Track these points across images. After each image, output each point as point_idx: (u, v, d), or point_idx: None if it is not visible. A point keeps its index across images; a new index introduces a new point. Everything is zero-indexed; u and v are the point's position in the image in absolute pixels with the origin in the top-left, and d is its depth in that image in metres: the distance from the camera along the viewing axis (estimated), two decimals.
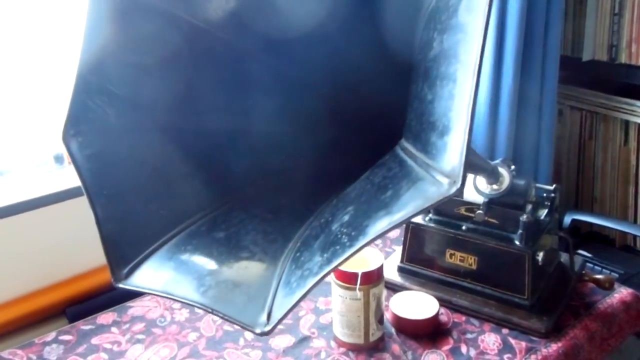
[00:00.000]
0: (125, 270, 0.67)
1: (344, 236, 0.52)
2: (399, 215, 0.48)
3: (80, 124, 0.68)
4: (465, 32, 0.46)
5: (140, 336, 1.03)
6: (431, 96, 0.50)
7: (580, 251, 1.59)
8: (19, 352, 1.00)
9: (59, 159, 1.28)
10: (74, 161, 0.68)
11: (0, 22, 1.13)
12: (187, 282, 0.64)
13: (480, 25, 0.44)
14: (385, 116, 0.74)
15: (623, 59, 1.67)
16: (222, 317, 0.59)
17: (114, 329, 1.05)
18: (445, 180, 0.46)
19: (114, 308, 1.10)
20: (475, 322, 1.04)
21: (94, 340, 1.02)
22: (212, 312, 0.59)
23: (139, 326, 1.05)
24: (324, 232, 0.57)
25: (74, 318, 1.13)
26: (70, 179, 1.19)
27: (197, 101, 0.77)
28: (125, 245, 0.68)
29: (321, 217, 0.64)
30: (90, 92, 0.68)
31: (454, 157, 0.46)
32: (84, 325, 1.06)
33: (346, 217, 0.55)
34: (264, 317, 0.56)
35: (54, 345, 1.01)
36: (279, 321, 0.55)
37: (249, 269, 0.63)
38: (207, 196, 0.74)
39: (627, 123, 1.72)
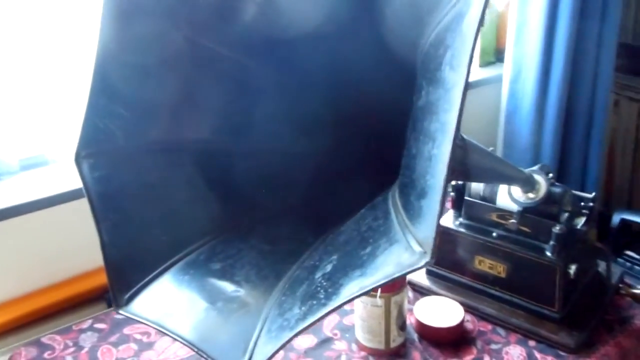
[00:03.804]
0: (127, 296, 0.69)
1: (321, 291, 0.51)
2: (370, 280, 0.47)
3: (91, 146, 0.69)
4: (447, 90, 0.43)
5: None
6: (415, 150, 0.47)
7: (629, 252, 1.51)
8: (57, 337, 1.06)
9: None
10: (84, 183, 0.69)
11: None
12: (179, 316, 0.65)
13: (461, 86, 0.41)
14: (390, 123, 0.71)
15: None
16: (206, 359, 0.60)
17: None
18: (417, 249, 0.44)
19: None
20: (502, 332, 1.01)
21: (126, 330, 1.06)
22: (198, 351, 0.60)
23: None
24: (308, 279, 0.57)
25: (112, 303, 1.18)
26: None
27: (199, 114, 0.76)
28: (127, 271, 0.70)
29: (312, 257, 0.63)
30: (101, 113, 0.69)
31: (427, 226, 0.43)
32: (117, 315, 1.11)
33: (329, 267, 0.54)
34: None
35: (89, 333, 1.06)
36: None
37: (236, 309, 0.63)
38: (209, 223, 0.74)
39: None
